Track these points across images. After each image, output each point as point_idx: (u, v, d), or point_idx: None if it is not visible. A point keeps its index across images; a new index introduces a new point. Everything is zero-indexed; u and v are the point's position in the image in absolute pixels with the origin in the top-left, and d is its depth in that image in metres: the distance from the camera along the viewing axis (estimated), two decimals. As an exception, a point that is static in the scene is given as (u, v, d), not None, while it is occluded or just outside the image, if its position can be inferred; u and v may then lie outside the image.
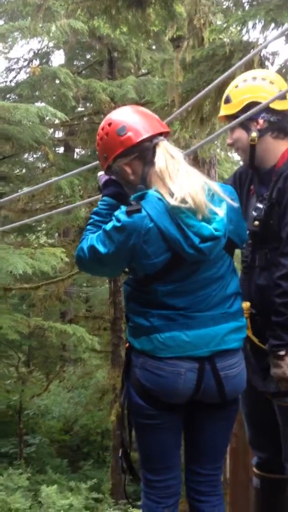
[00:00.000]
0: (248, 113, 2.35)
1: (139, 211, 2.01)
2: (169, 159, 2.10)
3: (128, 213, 2.01)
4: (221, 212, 2.05)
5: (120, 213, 2.04)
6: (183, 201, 2.00)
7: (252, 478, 2.71)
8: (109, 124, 2.17)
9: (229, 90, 2.47)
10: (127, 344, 2.22)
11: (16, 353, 13.50)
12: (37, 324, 9.93)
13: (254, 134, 2.37)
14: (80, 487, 9.15)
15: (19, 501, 8.00)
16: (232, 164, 13.04)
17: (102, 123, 2.22)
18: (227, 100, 2.44)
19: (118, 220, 2.03)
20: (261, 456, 2.58)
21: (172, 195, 2.01)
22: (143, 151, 2.13)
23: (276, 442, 2.40)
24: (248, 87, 2.41)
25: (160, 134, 2.17)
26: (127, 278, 2.19)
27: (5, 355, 13.80)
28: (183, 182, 2.03)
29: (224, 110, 2.46)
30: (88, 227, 2.16)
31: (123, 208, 2.05)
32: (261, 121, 2.37)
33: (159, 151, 2.11)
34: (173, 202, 2.00)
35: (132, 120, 2.16)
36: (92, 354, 13.52)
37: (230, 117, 2.45)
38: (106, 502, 9.55)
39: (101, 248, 2.05)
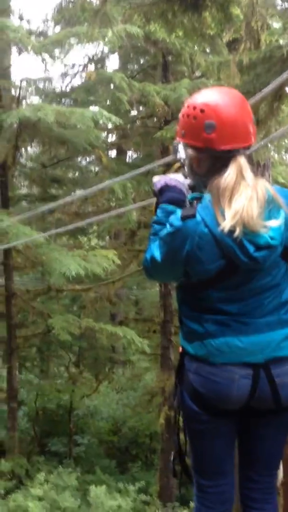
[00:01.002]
0: None
1: (193, 216, 1.98)
2: (238, 179, 1.99)
3: (183, 218, 1.99)
4: (277, 221, 1.98)
5: (175, 218, 2.02)
6: (232, 228, 1.93)
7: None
8: (202, 111, 2.02)
9: None
10: (180, 349, 2.20)
11: (67, 354, 13.71)
12: (88, 325, 10.05)
13: None
14: (128, 488, 9.19)
15: (68, 500, 8.13)
16: (287, 167, 12.82)
17: (197, 103, 2.04)
18: None
19: (171, 225, 2.02)
20: None
21: (223, 219, 1.95)
22: (217, 158, 2.04)
23: None
24: None
25: (245, 146, 2.05)
26: (180, 282, 2.16)
27: (56, 355, 14.04)
28: (240, 208, 1.94)
29: None
30: (151, 237, 2.13)
31: (178, 212, 2.03)
32: None
33: (232, 167, 2.00)
34: (221, 227, 1.94)
35: (226, 119, 1.99)
36: (141, 357, 13.57)
37: None
38: (154, 504, 9.55)
39: (158, 255, 2.05)
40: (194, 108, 2.04)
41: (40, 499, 7.93)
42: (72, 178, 12.45)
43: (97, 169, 12.85)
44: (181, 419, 2.22)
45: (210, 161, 2.06)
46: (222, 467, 2.20)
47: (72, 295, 12.26)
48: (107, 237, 15.58)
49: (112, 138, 13.46)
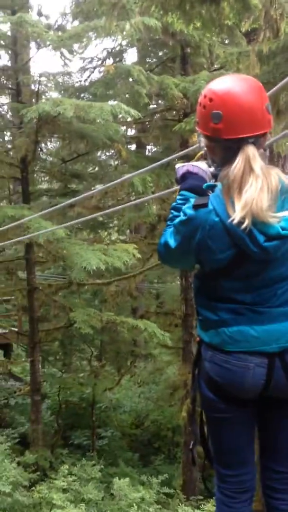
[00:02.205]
0: None
1: (205, 205, 1.98)
2: (246, 170, 1.96)
3: (195, 207, 2.00)
4: None
5: (187, 207, 2.03)
6: (242, 220, 1.91)
7: None
8: (211, 100, 2.01)
9: None
10: (197, 338, 2.21)
11: (89, 347, 13.80)
12: (109, 319, 10.09)
13: None
14: (151, 481, 9.21)
15: (92, 492, 8.17)
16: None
17: (208, 91, 2.03)
18: None
19: (184, 214, 2.03)
20: None
21: (233, 210, 1.94)
22: (226, 148, 2.02)
23: None
24: None
25: (255, 135, 1.99)
26: (196, 272, 2.17)
27: (79, 348, 14.15)
28: (250, 200, 1.92)
29: None
30: (168, 222, 2.15)
31: (191, 201, 2.03)
32: None
33: (239, 158, 1.98)
34: (231, 218, 1.94)
35: (233, 109, 1.97)
36: (163, 350, 13.59)
37: None
38: (177, 497, 9.57)
39: (172, 242, 2.07)
40: (205, 96, 2.05)
41: (64, 491, 8.00)
42: (92, 172, 12.47)
43: (116, 163, 12.86)
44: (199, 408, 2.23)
45: (222, 150, 2.06)
46: (241, 457, 2.19)
47: (93, 289, 12.31)
48: (128, 231, 15.61)
49: (131, 132, 13.48)
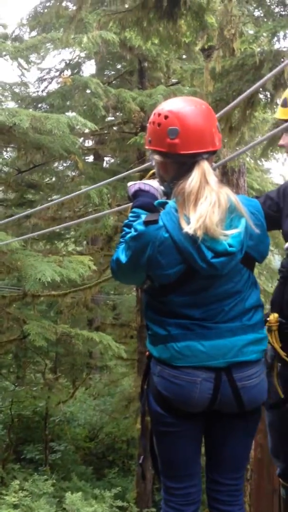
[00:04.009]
0: None
1: (156, 222, 2.04)
2: (202, 183, 2.04)
3: (145, 223, 2.05)
4: (237, 229, 2.03)
5: (138, 223, 2.07)
6: (194, 232, 1.97)
7: (279, 488, 2.68)
8: (166, 117, 2.09)
9: (287, 93, 2.46)
10: (147, 352, 2.24)
11: (43, 360, 13.61)
12: (64, 331, 10.00)
13: None
14: (104, 495, 9.14)
15: (43, 507, 8.04)
16: (262, 173, 12.96)
17: (162, 110, 2.12)
18: (285, 104, 2.44)
19: (135, 230, 2.07)
20: (282, 466, 2.56)
21: (188, 222, 2.00)
22: (182, 163, 2.10)
23: None
24: None
25: (208, 151, 2.10)
26: (146, 287, 2.21)
27: (33, 361, 13.93)
28: (204, 212, 1.99)
29: (281, 114, 2.47)
30: (121, 239, 2.17)
31: (142, 217, 2.08)
32: None
33: (196, 172, 2.07)
34: (185, 229, 1.99)
35: (189, 126, 2.06)
36: (119, 362, 13.56)
37: (285, 121, 2.44)
38: (130, 510, 9.51)
39: (123, 258, 2.10)
40: (159, 115, 2.12)
41: (15, 506, 7.84)
42: (49, 183, 12.40)
43: (73, 174, 12.83)
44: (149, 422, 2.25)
45: (175, 166, 2.11)
46: (187, 470, 2.21)
47: (49, 301, 12.18)
48: (84, 242, 15.55)
49: (89, 143, 13.48)
